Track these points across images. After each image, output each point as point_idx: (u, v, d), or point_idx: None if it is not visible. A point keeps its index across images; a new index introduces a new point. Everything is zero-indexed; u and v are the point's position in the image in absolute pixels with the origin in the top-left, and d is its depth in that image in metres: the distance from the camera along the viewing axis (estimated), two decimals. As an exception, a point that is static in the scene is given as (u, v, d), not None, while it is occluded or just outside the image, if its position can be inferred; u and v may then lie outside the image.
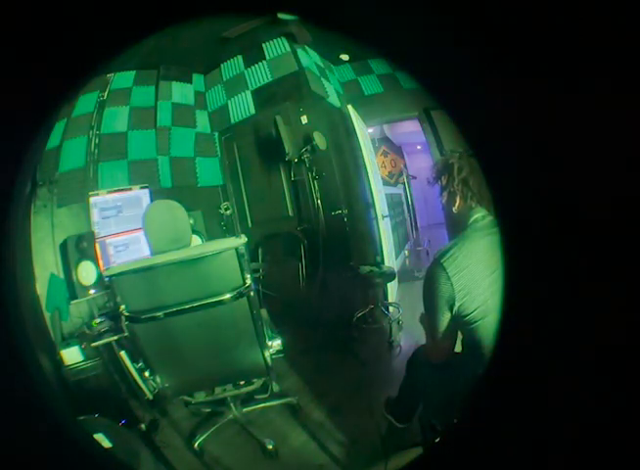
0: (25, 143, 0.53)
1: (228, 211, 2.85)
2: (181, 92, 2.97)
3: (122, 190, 2.43)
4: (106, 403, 1.62)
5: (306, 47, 2.89)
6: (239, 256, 1.22)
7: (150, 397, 1.39)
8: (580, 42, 0.44)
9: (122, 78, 2.71)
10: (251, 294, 1.28)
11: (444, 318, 1.02)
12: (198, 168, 2.99)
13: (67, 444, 0.57)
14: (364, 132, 3.03)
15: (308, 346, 2.19)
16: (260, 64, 2.90)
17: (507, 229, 0.53)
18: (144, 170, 2.70)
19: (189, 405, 1.66)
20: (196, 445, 1.48)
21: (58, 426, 0.57)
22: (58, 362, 1.70)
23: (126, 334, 1.35)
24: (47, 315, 1.93)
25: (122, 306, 1.24)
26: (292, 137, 2.61)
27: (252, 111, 2.93)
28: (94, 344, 1.63)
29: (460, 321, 1.02)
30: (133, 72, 2.75)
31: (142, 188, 2.50)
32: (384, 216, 2.80)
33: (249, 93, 2.95)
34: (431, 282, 1.02)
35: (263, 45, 2.88)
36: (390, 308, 2.55)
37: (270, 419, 1.62)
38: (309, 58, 2.91)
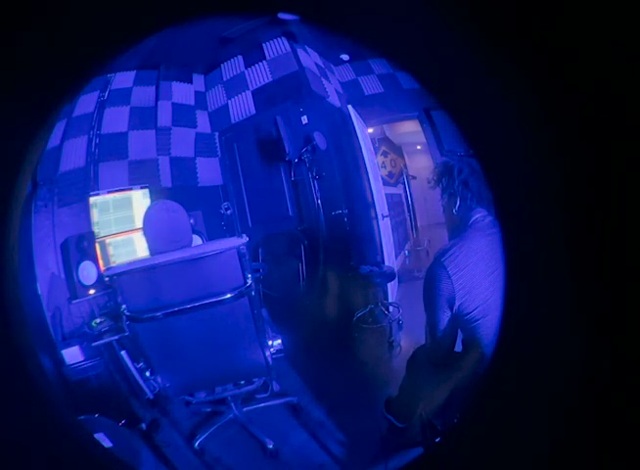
0: (25, 143, 0.53)
1: (228, 212, 2.86)
2: (181, 92, 2.97)
3: (122, 190, 2.43)
4: (106, 403, 1.62)
5: (306, 47, 2.89)
6: (240, 255, 1.23)
7: (150, 396, 1.39)
8: (581, 41, 0.44)
9: (122, 78, 2.71)
10: (252, 293, 1.28)
11: (444, 317, 1.03)
12: (198, 168, 2.99)
13: (67, 444, 0.57)
14: (364, 132, 3.03)
15: (308, 346, 2.19)
16: (260, 64, 2.90)
17: (507, 229, 0.53)
18: (144, 170, 2.69)
19: (189, 405, 1.66)
20: (196, 444, 1.48)
21: (58, 426, 0.57)
22: (58, 362, 1.70)
23: (127, 334, 1.35)
24: (47, 315, 1.93)
25: (123, 306, 1.24)
26: (292, 137, 2.61)
27: (252, 111, 2.93)
28: (95, 343, 1.63)
29: (460, 320, 1.02)
30: (133, 72, 2.75)
31: (142, 188, 2.49)
32: (384, 216, 2.80)
33: (249, 93, 2.95)
34: (431, 281, 1.03)
35: (263, 45, 2.88)
36: (390, 308, 2.55)
37: (270, 419, 1.62)
38: (309, 58, 2.90)
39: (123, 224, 2.37)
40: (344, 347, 2.23)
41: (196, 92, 3.06)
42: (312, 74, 2.83)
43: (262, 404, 1.65)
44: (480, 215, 1.05)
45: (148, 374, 1.35)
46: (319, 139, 2.53)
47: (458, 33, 0.48)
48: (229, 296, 1.24)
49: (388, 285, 2.60)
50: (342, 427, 1.52)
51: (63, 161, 2.32)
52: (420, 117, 3.18)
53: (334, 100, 3.01)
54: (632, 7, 0.41)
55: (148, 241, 1.32)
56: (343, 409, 1.62)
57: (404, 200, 4.27)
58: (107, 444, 1.06)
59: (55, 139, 2.30)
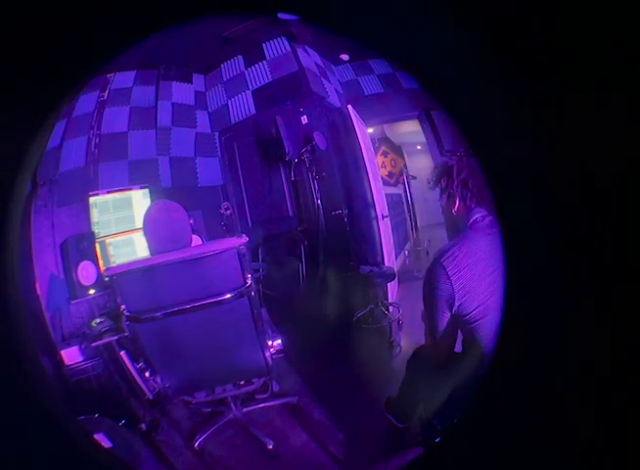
0: (25, 143, 0.53)
1: (228, 212, 2.86)
2: (181, 92, 2.97)
3: (122, 190, 2.43)
4: (106, 403, 1.62)
5: (306, 47, 2.89)
6: (240, 255, 1.22)
7: (150, 396, 1.39)
8: (581, 41, 0.44)
9: (122, 78, 2.71)
10: (252, 293, 1.28)
11: (444, 318, 1.03)
12: (198, 168, 2.99)
13: (67, 444, 0.57)
14: (364, 132, 3.03)
15: (309, 346, 2.19)
16: (260, 64, 2.91)
17: (507, 229, 0.53)
18: (144, 170, 2.70)
19: (189, 405, 1.66)
20: (196, 444, 1.48)
21: (58, 426, 0.57)
22: (58, 362, 1.70)
23: (127, 334, 1.35)
24: (47, 316, 1.93)
25: (123, 306, 1.24)
26: (292, 137, 2.61)
27: (252, 111, 2.93)
28: (94, 343, 1.63)
29: (460, 320, 1.02)
30: (133, 72, 2.75)
31: (142, 188, 2.50)
32: (384, 216, 2.80)
33: (249, 93, 2.95)
34: (430, 281, 1.03)
35: (263, 45, 2.88)
36: (390, 308, 2.55)
37: (270, 419, 1.62)
38: (309, 58, 2.91)
39: (123, 224, 2.37)
40: (344, 347, 2.23)
41: (196, 92, 3.06)
42: (312, 74, 2.83)
43: (262, 405, 1.65)
44: (480, 215, 1.05)
45: (148, 374, 1.35)
46: (319, 139, 2.53)
47: (458, 33, 0.48)
48: (229, 296, 1.24)
49: (388, 285, 2.60)
50: (342, 427, 1.52)
51: (63, 161, 2.32)
52: (420, 117, 3.18)
53: (334, 100, 3.01)
54: (632, 7, 0.41)
55: (148, 241, 1.32)
56: (343, 409, 1.62)
57: (404, 200, 4.27)
58: (107, 444, 1.06)
59: (55, 139, 2.31)
